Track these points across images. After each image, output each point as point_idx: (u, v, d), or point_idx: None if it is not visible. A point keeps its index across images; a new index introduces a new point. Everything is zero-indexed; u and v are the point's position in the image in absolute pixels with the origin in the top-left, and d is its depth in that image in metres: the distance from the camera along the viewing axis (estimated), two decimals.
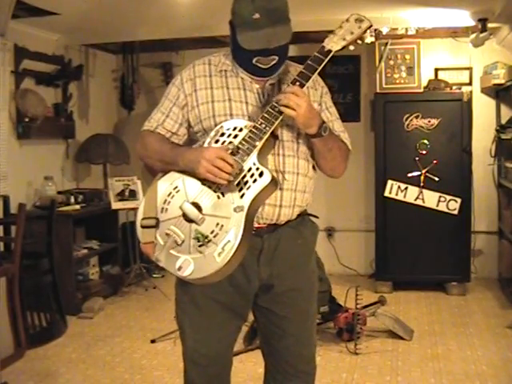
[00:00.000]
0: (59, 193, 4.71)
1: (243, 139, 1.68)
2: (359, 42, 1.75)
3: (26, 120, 4.40)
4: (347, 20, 1.74)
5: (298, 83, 1.69)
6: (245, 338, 3.60)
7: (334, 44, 1.72)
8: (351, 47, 1.75)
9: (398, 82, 4.89)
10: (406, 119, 4.79)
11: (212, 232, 1.64)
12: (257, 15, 1.65)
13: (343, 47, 1.73)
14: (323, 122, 1.74)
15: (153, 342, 3.81)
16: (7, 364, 3.35)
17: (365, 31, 1.73)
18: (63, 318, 4.10)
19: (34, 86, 4.60)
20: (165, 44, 5.16)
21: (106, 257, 5.06)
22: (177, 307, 1.93)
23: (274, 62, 1.74)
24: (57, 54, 4.89)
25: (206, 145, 1.73)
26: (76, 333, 4.03)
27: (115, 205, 4.82)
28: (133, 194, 4.87)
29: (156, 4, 3.95)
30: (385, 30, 4.58)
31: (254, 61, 1.73)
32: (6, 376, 3.19)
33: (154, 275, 5.20)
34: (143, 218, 1.76)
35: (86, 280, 4.77)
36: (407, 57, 4.89)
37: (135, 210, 4.91)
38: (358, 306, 3.60)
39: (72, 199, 4.66)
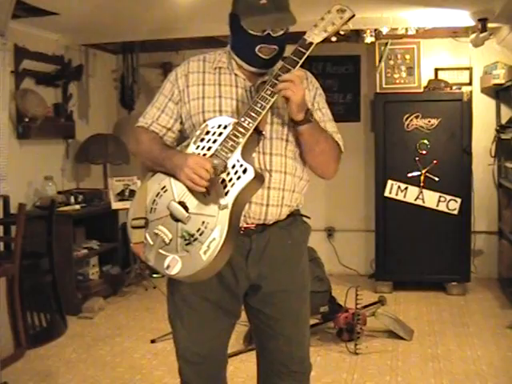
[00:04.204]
0: (59, 193, 4.71)
1: (227, 137, 1.68)
2: (342, 32, 1.74)
3: (26, 120, 4.40)
4: (329, 11, 1.73)
5: (280, 77, 1.68)
6: (245, 337, 3.60)
7: (315, 36, 1.71)
8: (333, 38, 1.74)
9: (397, 81, 4.90)
10: (406, 119, 4.79)
11: (198, 230, 1.65)
12: (264, 0, 1.67)
13: (325, 39, 1.72)
14: (308, 109, 1.74)
15: (153, 342, 3.81)
16: (7, 364, 3.35)
17: (347, 21, 1.71)
18: (63, 318, 4.10)
19: (34, 86, 4.60)
20: (165, 44, 5.16)
21: (106, 257, 5.06)
22: (168, 306, 1.96)
23: (274, 52, 1.76)
24: (57, 53, 4.89)
25: (192, 143, 1.74)
26: (76, 333, 4.03)
27: (115, 205, 4.82)
28: (133, 194, 4.85)
29: (156, 4, 3.95)
30: (385, 30, 4.58)
31: (256, 49, 1.74)
32: (6, 376, 3.19)
33: (154, 275, 5.21)
34: (133, 219, 1.78)
35: (86, 280, 4.77)
36: (407, 57, 4.89)
37: None
38: (358, 306, 3.60)
39: (72, 199, 4.66)
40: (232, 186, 1.65)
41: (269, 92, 1.68)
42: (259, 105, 1.68)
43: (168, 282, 1.93)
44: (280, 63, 1.81)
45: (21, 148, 4.48)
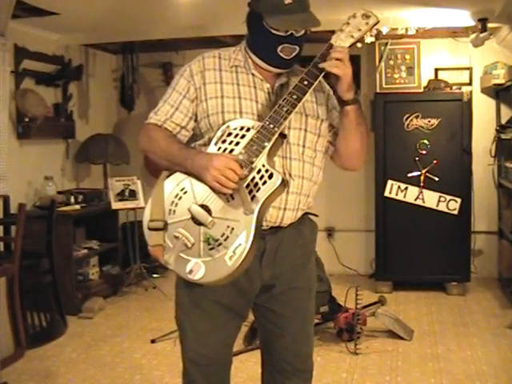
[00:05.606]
0: (59, 193, 4.71)
1: (251, 140, 1.66)
2: (365, 38, 1.73)
3: (26, 120, 4.40)
4: (354, 16, 1.71)
5: (305, 82, 1.68)
6: (245, 337, 3.60)
7: (341, 41, 1.69)
8: (359, 44, 1.73)
9: (397, 82, 4.89)
10: (406, 119, 4.79)
11: (222, 235, 1.63)
12: (289, 0, 1.66)
13: (351, 44, 1.70)
14: (357, 88, 1.74)
15: (153, 341, 3.81)
16: (7, 364, 3.35)
17: (372, 27, 1.70)
18: (63, 318, 4.10)
19: (34, 86, 4.60)
20: (165, 44, 5.16)
21: (106, 257, 5.06)
22: (177, 309, 1.91)
23: (295, 52, 1.74)
24: (57, 54, 4.90)
25: (212, 144, 1.71)
26: (76, 333, 4.03)
27: (115, 205, 4.82)
28: (133, 194, 4.87)
29: (156, 4, 3.95)
30: (385, 30, 4.58)
31: (278, 49, 1.72)
32: (6, 376, 3.19)
33: (154, 275, 5.21)
34: (150, 220, 1.72)
35: (86, 280, 4.77)
36: (407, 57, 4.89)
37: (135, 210, 4.97)
38: (358, 306, 3.60)
39: (72, 199, 4.66)
40: (257, 190, 1.63)
41: (295, 96, 1.66)
42: (285, 109, 1.65)
43: (176, 284, 1.89)
44: (296, 67, 1.81)
45: (21, 148, 4.48)
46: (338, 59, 1.66)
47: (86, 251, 4.70)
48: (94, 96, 5.53)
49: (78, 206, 4.59)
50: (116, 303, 4.72)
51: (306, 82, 1.68)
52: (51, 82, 4.81)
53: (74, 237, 4.60)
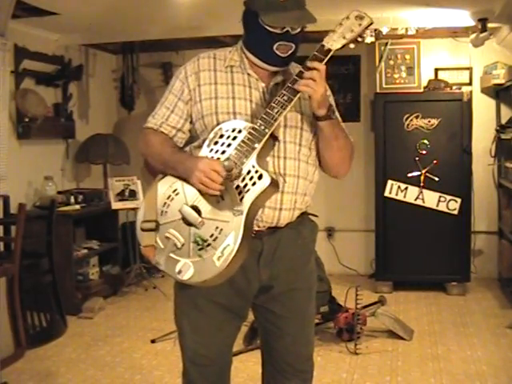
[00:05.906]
0: (59, 193, 4.71)
1: (242, 141, 1.66)
2: (360, 39, 1.72)
3: (26, 120, 4.40)
4: (347, 17, 1.71)
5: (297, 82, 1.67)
6: (245, 337, 3.60)
7: (333, 42, 1.69)
8: (352, 45, 1.73)
9: (397, 82, 4.90)
10: (406, 119, 4.79)
11: (211, 236, 1.64)
12: None
13: (343, 45, 1.70)
14: (331, 105, 1.74)
15: (153, 341, 3.81)
16: (7, 364, 3.35)
17: (365, 29, 1.70)
18: (63, 318, 4.10)
19: (34, 86, 4.60)
20: (165, 44, 5.16)
21: (106, 257, 5.06)
22: (176, 309, 1.92)
23: (291, 50, 1.74)
24: (57, 54, 4.89)
25: (205, 146, 1.73)
26: (76, 333, 4.04)
27: (115, 205, 4.82)
28: (133, 194, 4.87)
29: (156, 4, 3.95)
30: (385, 30, 4.58)
31: (275, 47, 1.72)
32: (6, 376, 3.19)
33: (154, 275, 5.21)
34: (143, 221, 1.75)
35: (86, 280, 4.77)
36: (407, 57, 4.90)
37: (135, 210, 4.96)
38: (358, 306, 3.60)
39: (72, 199, 4.66)
40: (247, 191, 1.64)
41: (286, 97, 1.66)
42: (276, 110, 1.66)
43: (175, 284, 1.90)
44: (293, 65, 1.81)
45: (21, 148, 4.48)
46: (310, 78, 1.65)
47: (86, 251, 4.70)
48: (93, 96, 5.53)
49: (77, 206, 4.60)
50: (116, 303, 4.72)
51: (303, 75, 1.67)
52: (51, 81, 4.81)
53: (74, 237, 4.60)
